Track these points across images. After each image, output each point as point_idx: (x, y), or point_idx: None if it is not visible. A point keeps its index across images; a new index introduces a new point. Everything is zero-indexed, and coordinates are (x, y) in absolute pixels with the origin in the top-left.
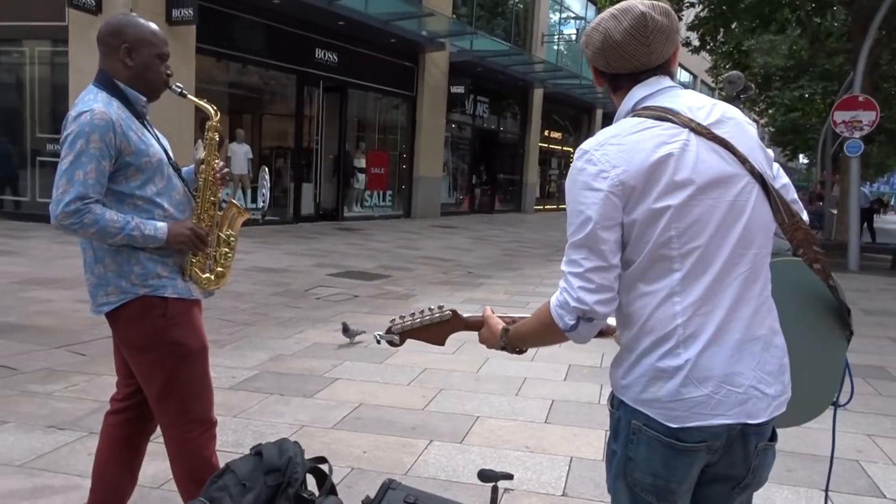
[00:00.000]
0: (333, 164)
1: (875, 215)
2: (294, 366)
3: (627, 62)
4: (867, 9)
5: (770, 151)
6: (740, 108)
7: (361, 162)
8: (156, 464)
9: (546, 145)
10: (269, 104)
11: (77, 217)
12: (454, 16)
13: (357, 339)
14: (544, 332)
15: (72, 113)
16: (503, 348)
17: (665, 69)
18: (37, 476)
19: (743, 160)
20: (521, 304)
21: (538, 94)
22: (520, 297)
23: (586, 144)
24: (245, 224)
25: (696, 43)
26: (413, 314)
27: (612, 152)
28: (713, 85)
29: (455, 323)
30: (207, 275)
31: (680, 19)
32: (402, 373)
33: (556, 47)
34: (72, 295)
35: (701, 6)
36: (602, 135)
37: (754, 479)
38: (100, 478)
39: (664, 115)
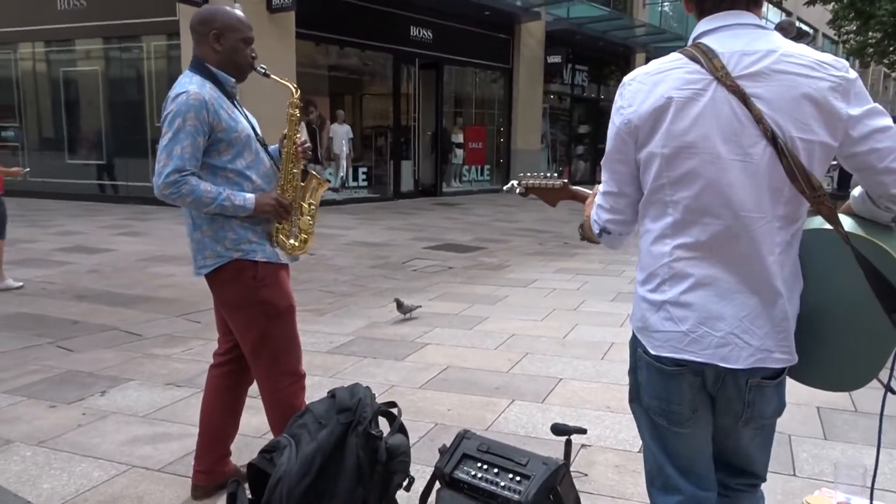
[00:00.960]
0: (431, 140)
1: None
2: (388, 332)
3: None
4: None
5: (855, 110)
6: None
7: (459, 137)
8: (259, 417)
9: None
10: (368, 84)
11: (176, 187)
12: None
13: (411, 314)
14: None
15: (171, 94)
16: (581, 226)
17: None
18: (157, 425)
19: (758, 119)
20: (617, 273)
21: (640, 59)
22: (615, 265)
23: (629, 75)
24: (346, 202)
25: None
26: (536, 175)
27: (634, 89)
28: (836, 38)
29: (563, 192)
30: (292, 241)
31: None
32: (490, 338)
33: (659, 8)
34: (191, 270)
35: None
36: (643, 67)
37: (753, 414)
38: (206, 423)
39: (699, 56)
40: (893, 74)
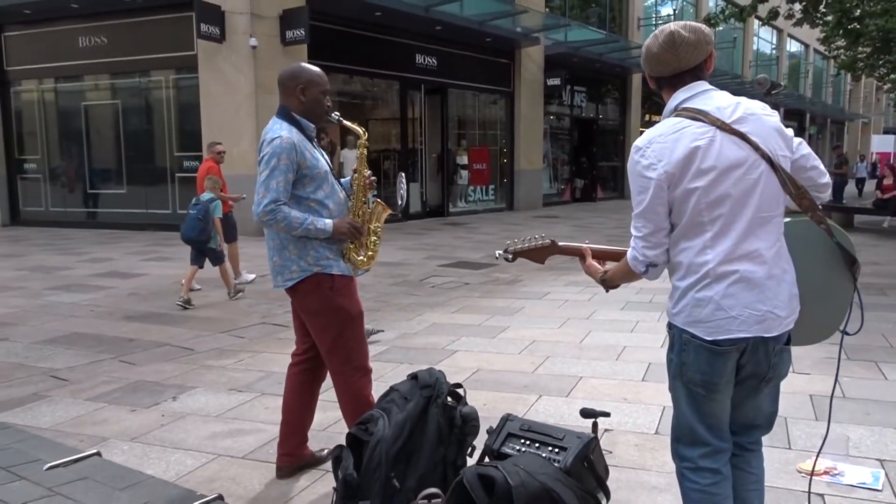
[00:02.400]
0: (437, 162)
1: None
2: (418, 342)
3: (663, 68)
4: None
5: (789, 131)
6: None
7: (464, 159)
8: (320, 413)
9: (647, 129)
10: (376, 110)
11: (272, 215)
12: (547, 9)
13: (372, 338)
14: (628, 274)
15: (265, 138)
16: (602, 282)
17: (696, 73)
18: (230, 423)
19: (756, 147)
20: (624, 285)
21: (637, 79)
22: None
23: (639, 142)
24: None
25: (799, 15)
26: (523, 240)
27: (657, 149)
28: (826, 53)
29: (552, 249)
30: (361, 258)
31: None
32: (513, 345)
33: (654, 30)
34: (223, 292)
35: None
36: (650, 133)
37: (775, 374)
38: (287, 413)
39: (697, 116)
40: (885, 87)
